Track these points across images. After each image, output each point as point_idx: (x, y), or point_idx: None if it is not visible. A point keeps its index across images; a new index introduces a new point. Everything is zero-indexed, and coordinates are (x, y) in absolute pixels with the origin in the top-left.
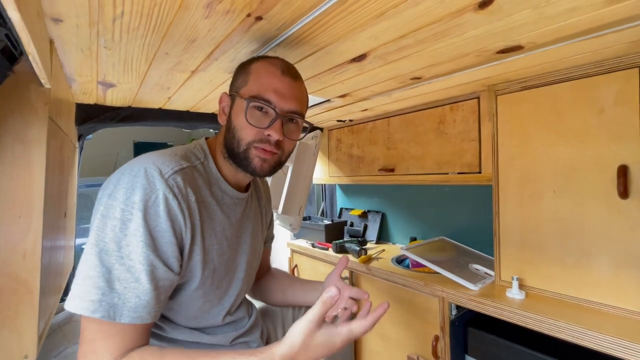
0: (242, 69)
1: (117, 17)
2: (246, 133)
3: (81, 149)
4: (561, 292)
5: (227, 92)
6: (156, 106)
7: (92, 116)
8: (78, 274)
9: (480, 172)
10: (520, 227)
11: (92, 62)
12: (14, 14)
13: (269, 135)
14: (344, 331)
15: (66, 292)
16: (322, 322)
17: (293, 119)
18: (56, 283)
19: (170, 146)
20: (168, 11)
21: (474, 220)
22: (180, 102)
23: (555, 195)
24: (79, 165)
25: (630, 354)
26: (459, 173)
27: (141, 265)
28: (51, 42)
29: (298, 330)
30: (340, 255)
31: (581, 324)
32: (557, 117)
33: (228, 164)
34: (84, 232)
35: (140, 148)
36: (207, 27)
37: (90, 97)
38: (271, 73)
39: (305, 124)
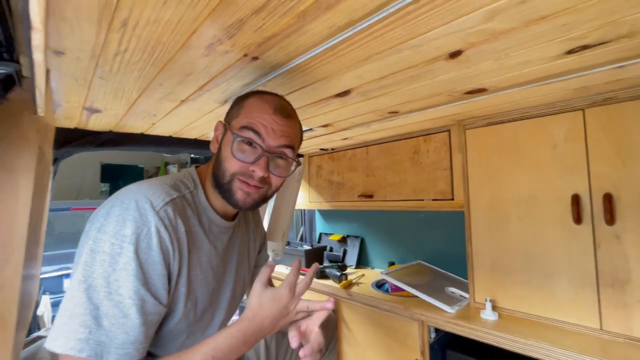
0: (238, 102)
1: (120, 53)
2: (231, 164)
3: (55, 173)
4: (529, 312)
5: (222, 121)
6: (138, 131)
7: (70, 140)
8: (63, 310)
9: (452, 199)
10: (491, 251)
11: (83, 89)
12: (38, 56)
13: (253, 171)
14: (283, 283)
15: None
16: (268, 284)
17: (282, 156)
18: (26, 316)
19: (141, 169)
20: (170, 49)
21: (448, 245)
22: (164, 128)
23: (520, 221)
24: (51, 190)
25: None
26: (433, 200)
27: (131, 300)
28: (47, 71)
29: (251, 294)
30: (320, 281)
31: (548, 341)
32: (517, 151)
33: (216, 193)
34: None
35: (108, 170)
36: (205, 63)
37: (72, 121)
38: (263, 110)
39: (295, 161)
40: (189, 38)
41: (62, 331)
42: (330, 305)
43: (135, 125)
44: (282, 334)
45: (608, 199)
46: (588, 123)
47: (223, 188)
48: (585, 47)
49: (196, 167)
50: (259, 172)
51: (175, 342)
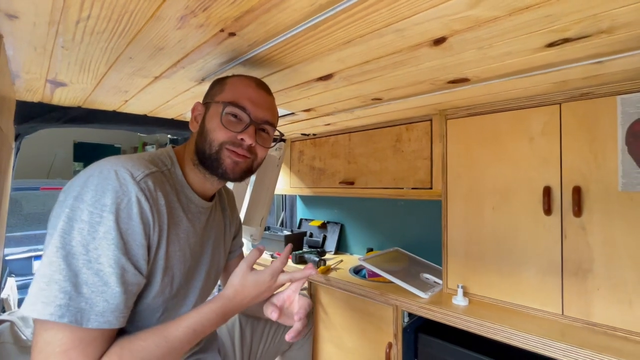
0: (218, 82)
1: (82, 20)
2: (219, 134)
3: (17, 149)
4: (498, 298)
5: (201, 102)
6: (110, 108)
7: (35, 115)
8: (40, 277)
9: (431, 188)
10: (465, 240)
11: (44, 60)
12: None
13: (242, 139)
14: (268, 269)
15: None
16: (252, 267)
17: (264, 129)
18: None
19: (118, 149)
20: (139, 19)
21: (425, 232)
22: (137, 106)
23: (494, 211)
24: (13, 167)
25: (551, 351)
26: (412, 188)
27: (111, 269)
28: (0, 36)
29: (236, 273)
30: (299, 266)
31: (513, 326)
32: (496, 142)
33: (197, 171)
34: (7, 241)
35: (82, 149)
36: (178, 37)
37: (35, 95)
38: (247, 85)
39: (276, 135)
40: (159, 7)
41: (39, 297)
42: (311, 272)
43: (107, 101)
44: (257, 319)
45: (577, 192)
46: (564, 117)
47: (211, 158)
48: (566, 41)
49: (172, 147)
50: (248, 140)
51: (151, 319)
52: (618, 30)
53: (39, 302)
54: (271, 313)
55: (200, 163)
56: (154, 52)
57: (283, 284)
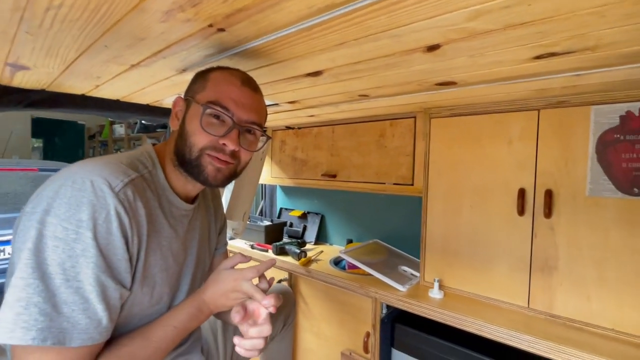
0: (200, 76)
1: (53, 7)
2: (199, 139)
3: None
4: (471, 291)
5: (182, 97)
6: (79, 92)
7: None
8: (16, 300)
9: (412, 185)
10: (443, 235)
11: (4, 44)
12: None
13: (224, 144)
14: (237, 272)
15: None
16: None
17: (251, 130)
18: None
19: (82, 126)
20: (119, 10)
21: (403, 225)
22: (110, 91)
23: (471, 209)
24: None
25: (517, 342)
26: (394, 184)
27: (91, 287)
28: None
29: (215, 270)
30: (280, 258)
31: (484, 318)
32: (477, 143)
33: (178, 173)
34: None
35: (40, 125)
36: (161, 29)
37: None
38: (231, 82)
39: (263, 136)
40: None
41: (18, 322)
42: (268, 307)
43: (75, 85)
44: None
45: (548, 195)
46: (541, 123)
47: (191, 164)
48: (552, 54)
49: (153, 145)
50: (230, 146)
51: (128, 327)
52: (602, 48)
53: (17, 329)
54: (235, 313)
55: (181, 165)
56: (134, 42)
57: (246, 293)
